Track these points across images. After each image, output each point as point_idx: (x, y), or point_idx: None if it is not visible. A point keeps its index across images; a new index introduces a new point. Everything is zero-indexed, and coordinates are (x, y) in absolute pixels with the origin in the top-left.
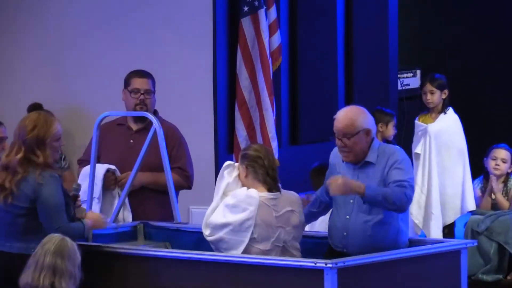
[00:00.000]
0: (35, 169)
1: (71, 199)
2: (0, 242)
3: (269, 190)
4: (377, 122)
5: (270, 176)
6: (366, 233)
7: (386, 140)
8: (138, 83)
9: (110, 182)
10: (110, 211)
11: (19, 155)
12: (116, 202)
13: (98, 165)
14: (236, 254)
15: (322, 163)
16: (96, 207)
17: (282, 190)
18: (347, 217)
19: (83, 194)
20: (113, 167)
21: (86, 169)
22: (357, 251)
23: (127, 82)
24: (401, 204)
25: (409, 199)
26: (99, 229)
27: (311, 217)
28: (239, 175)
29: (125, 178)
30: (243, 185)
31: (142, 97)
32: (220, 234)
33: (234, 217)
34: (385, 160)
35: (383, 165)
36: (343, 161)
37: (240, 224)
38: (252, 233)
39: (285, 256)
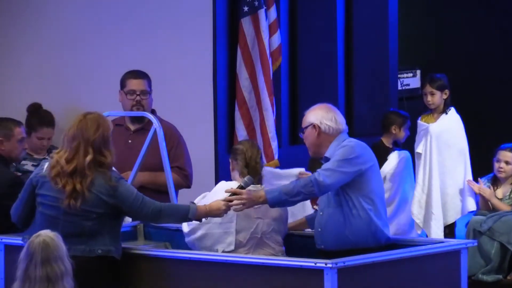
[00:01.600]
0: (102, 171)
1: None
2: None
3: None
4: (390, 124)
5: (250, 167)
6: (334, 227)
7: (394, 142)
8: (134, 84)
9: None
10: None
11: (89, 157)
12: None
13: None
14: (223, 247)
15: None
16: None
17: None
18: (321, 213)
19: None
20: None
21: None
22: (333, 247)
23: (123, 83)
24: (308, 191)
25: (316, 183)
26: (216, 216)
27: None
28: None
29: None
30: (232, 179)
31: (138, 98)
32: (203, 230)
33: None
34: None
35: None
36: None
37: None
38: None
39: (262, 248)
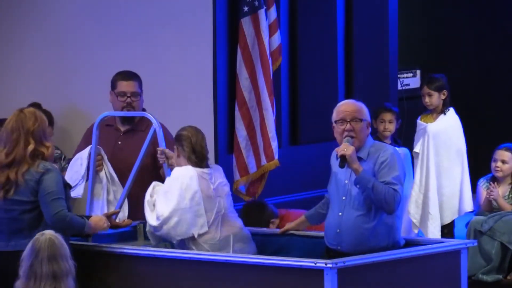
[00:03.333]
0: (40, 161)
1: (70, 193)
2: (2, 244)
3: (199, 166)
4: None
5: (196, 152)
6: (358, 230)
7: (394, 139)
8: (124, 86)
9: (97, 163)
10: (98, 192)
11: (30, 147)
12: (104, 183)
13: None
14: (198, 230)
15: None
16: (81, 186)
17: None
18: (340, 214)
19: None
20: (98, 147)
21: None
22: (351, 249)
23: (113, 84)
24: (388, 207)
25: (398, 204)
26: (100, 231)
27: (318, 218)
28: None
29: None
30: (177, 165)
31: (129, 100)
32: (176, 217)
33: (183, 196)
34: (376, 157)
35: (373, 162)
36: (337, 158)
37: (191, 199)
38: None
39: (228, 223)
